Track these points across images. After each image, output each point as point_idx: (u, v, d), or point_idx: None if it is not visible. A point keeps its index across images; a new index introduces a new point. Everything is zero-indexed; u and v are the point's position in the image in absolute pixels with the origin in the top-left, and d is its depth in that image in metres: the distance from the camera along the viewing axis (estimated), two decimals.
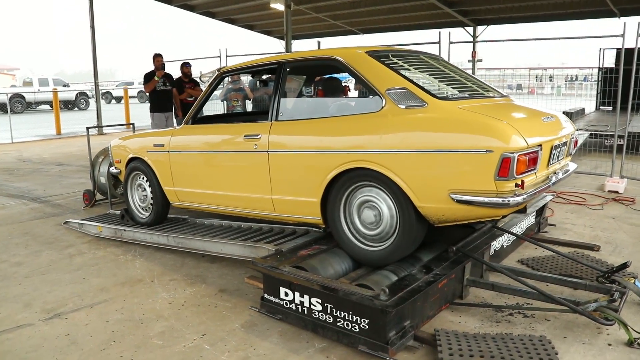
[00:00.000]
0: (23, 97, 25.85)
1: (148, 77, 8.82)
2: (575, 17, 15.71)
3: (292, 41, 13.64)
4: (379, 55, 3.68)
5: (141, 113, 24.00)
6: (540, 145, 3.12)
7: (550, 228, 5.20)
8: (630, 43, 7.14)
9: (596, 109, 14.32)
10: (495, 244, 3.98)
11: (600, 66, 13.88)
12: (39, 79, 27.54)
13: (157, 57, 8.85)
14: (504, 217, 3.75)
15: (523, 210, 3.45)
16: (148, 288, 3.96)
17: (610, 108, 13.14)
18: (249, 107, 9.60)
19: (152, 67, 8.79)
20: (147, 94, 9.18)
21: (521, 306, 3.45)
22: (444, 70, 4.03)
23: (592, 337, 3.06)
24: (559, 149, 3.55)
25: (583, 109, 13.35)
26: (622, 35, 7.15)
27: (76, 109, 28.28)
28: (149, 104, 9.19)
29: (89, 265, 4.49)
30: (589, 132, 9.53)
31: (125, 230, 5.00)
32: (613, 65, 13.12)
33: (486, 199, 2.91)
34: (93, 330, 3.28)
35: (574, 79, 28.19)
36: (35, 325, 3.37)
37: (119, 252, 4.82)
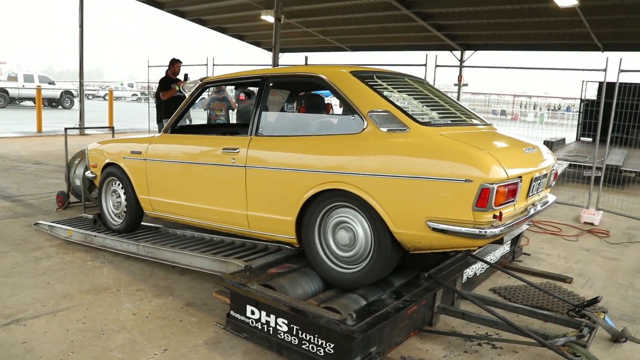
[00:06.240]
0: (6, 92, 25.46)
1: (166, 84, 8.37)
2: (560, 48, 16.00)
3: (281, 54, 13.65)
4: (364, 76, 3.66)
5: (125, 116, 23.85)
6: (520, 176, 3.10)
7: (524, 257, 5.21)
8: (611, 77, 7.25)
9: (577, 139, 14.52)
10: (469, 272, 3.96)
11: (582, 98, 14.10)
12: (24, 74, 27.09)
13: (177, 63, 8.48)
14: (479, 247, 3.74)
15: (500, 241, 3.44)
16: (113, 297, 3.86)
17: (590, 139, 13.40)
18: (233, 117, 9.53)
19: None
20: (161, 101, 8.68)
21: (490, 336, 3.42)
22: (428, 95, 4.03)
23: None
24: (539, 181, 3.55)
25: (564, 139, 13.52)
26: (605, 70, 7.26)
27: (60, 107, 27.94)
28: (156, 110, 8.88)
29: (55, 270, 4.37)
30: (569, 163, 9.64)
31: (95, 235, 4.90)
32: (594, 98, 13.33)
33: (463, 229, 2.88)
34: (51, 339, 3.18)
35: (557, 109, 28.63)
36: None
37: (88, 257, 4.71)
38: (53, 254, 4.76)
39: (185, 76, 8.50)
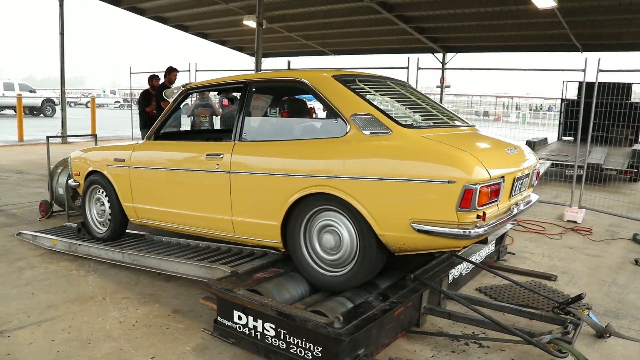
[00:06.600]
0: None
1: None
2: (540, 49, 16.20)
3: (264, 59, 13.66)
4: (346, 79, 3.67)
5: (108, 124, 23.65)
6: (502, 177, 3.13)
7: (509, 256, 5.26)
8: (590, 77, 7.35)
9: (558, 139, 14.69)
10: (454, 272, 3.99)
11: (563, 98, 14.28)
12: (4, 82, 26.73)
13: (173, 72, 8.46)
14: (464, 247, 3.77)
15: (484, 241, 3.47)
16: (99, 306, 3.83)
17: (571, 138, 13.56)
18: (217, 123, 9.50)
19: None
20: (144, 107, 8.67)
21: (477, 336, 3.45)
22: (410, 98, 4.06)
23: None
24: (522, 181, 3.58)
25: (545, 139, 13.66)
26: (584, 70, 7.36)
27: (42, 115, 27.63)
28: (139, 117, 8.82)
29: (39, 279, 4.32)
30: (551, 162, 9.75)
31: (80, 244, 4.85)
32: (575, 98, 13.51)
33: (447, 230, 2.90)
34: (37, 350, 3.15)
35: (538, 109, 28.95)
36: None
37: (72, 267, 4.66)
38: (37, 264, 4.71)
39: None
